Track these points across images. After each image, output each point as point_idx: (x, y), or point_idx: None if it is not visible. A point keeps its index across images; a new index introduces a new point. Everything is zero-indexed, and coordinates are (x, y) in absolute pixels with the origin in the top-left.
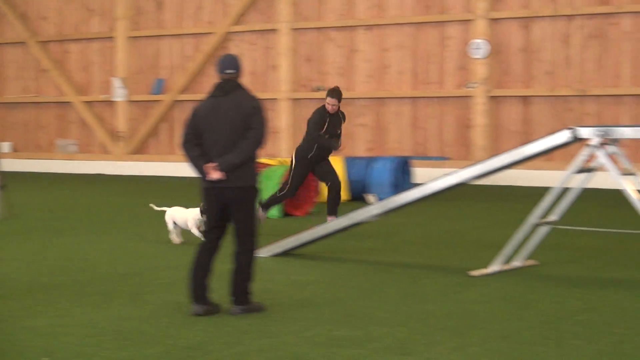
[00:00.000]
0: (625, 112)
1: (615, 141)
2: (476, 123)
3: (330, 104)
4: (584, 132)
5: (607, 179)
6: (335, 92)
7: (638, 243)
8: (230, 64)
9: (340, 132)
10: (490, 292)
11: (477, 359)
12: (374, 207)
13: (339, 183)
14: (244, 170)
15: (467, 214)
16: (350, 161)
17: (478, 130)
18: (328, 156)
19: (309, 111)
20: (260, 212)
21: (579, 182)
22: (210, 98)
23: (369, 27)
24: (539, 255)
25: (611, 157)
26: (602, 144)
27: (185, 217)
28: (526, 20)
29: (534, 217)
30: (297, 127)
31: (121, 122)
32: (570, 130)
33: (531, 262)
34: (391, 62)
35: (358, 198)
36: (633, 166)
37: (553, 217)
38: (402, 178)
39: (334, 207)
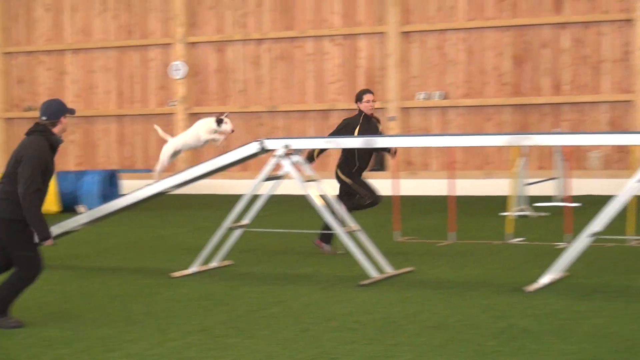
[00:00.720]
0: (311, 125)
1: (298, 151)
2: None
3: (369, 100)
4: (270, 143)
5: (294, 185)
6: (367, 89)
7: None
8: (44, 112)
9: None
10: (190, 292)
11: (177, 351)
12: (83, 217)
13: (378, 197)
14: None
15: (170, 221)
16: (61, 175)
17: None
18: (366, 168)
19: (21, 130)
20: (324, 247)
21: (267, 189)
22: None
23: (76, 50)
24: (234, 256)
25: (295, 165)
26: (287, 154)
27: (196, 133)
28: (220, 44)
29: (228, 221)
30: (11, 145)
31: None
32: (258, 142)
33: (227, 262)
34: (98, 83)
35: (69, 209)
36: (316, 174)
37: (245, 221)
38: (110, 189)
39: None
